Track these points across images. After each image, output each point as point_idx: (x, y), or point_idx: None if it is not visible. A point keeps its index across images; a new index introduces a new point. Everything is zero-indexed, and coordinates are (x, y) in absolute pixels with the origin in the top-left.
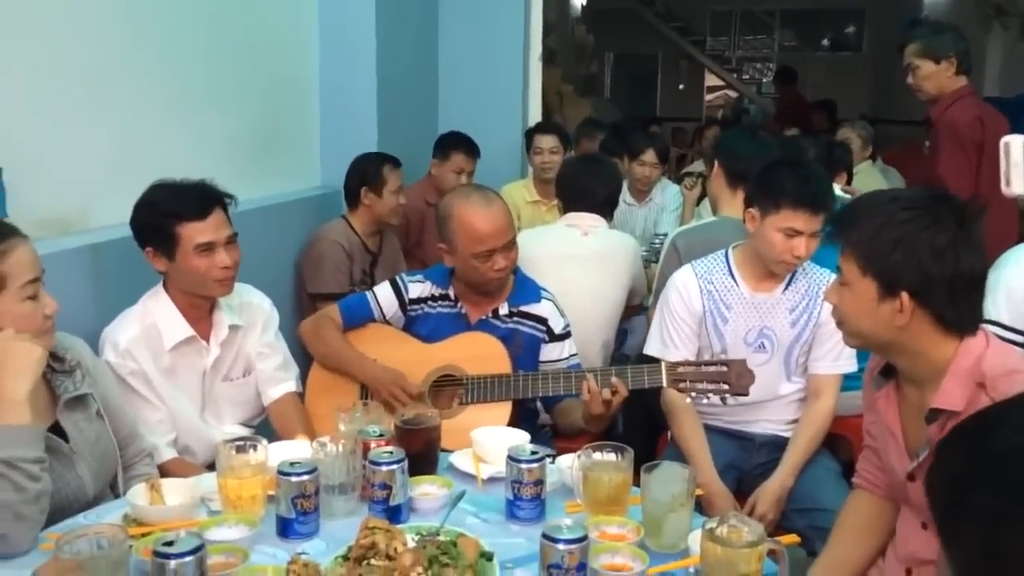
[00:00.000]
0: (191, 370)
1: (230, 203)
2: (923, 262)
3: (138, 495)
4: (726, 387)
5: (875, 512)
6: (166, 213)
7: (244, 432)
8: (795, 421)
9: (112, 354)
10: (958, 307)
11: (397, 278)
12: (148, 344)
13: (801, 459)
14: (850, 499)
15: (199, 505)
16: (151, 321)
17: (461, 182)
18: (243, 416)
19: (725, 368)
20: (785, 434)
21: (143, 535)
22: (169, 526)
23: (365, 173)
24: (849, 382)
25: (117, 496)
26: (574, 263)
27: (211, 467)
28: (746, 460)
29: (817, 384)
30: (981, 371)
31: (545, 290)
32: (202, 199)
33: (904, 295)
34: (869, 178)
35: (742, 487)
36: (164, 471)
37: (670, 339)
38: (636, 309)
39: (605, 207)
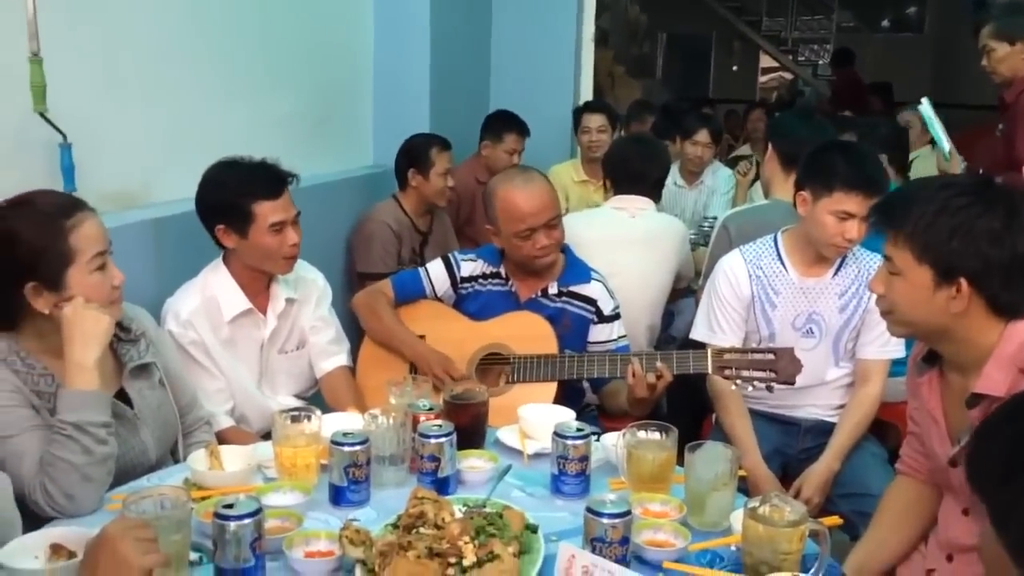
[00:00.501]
0: (249, 341)
1: (293, 182)
2: (982, 247)
3: (198, 460)
4: (773, 375)
5: (917, 498)
6: (241, 192)
7: (297, 403)
8: (841, 406)
9: (174, 324)
10: (1013, 290)
11: (450, 256)
12: (208, 315)
13: (848, 443)
14: (893, 484)
15: (255, 472)
16: (211, 293)
17: (514, 162)
18: (297, 388)
19: (772, 356)
20: (831, 419)
21: (203, 498)
22: (227, 491)
23: (413, 154)
24: (896, 367)
25: (177, 461)
26: (622, 246)
27: (266, 436)
28: (792, 445)
29: (865, 369)
30: (1023, 357)
31: (595, 271)
32: (274, 179)
33: (963, 281)
34: (928, 163)
35: (788, 472)
36: (221, 439)
37: (717, 324)
38: (683, 292)
39: (654, 189)
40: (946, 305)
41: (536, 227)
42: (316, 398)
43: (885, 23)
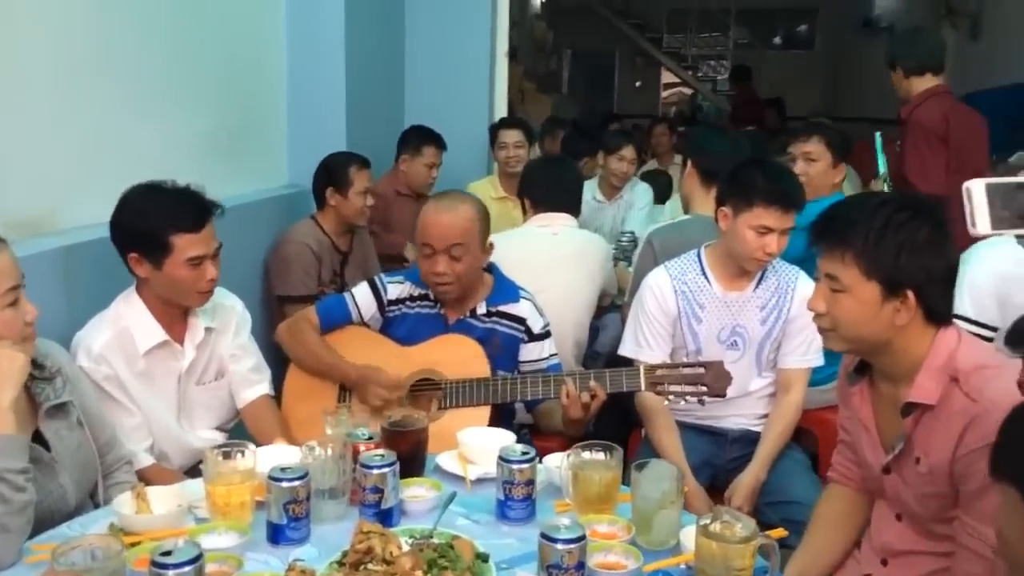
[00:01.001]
0: (166, 374)
1: (218, 213)
2: (926, 260)
3: (124, 504)
4: (704, 389)
5: (849, 505)
6: (161, 222)
7: (218, 436)
8: (766, 415)
9: (85, 359)
10: (948, 298)
11: (376, 279)
12: (122, 349)
13: (773, 452)
14: (825, 493)
15: (187, 513)
16: (124, 325)
17: (432, 175)
18: (216, 420)
19: (702, 370)
20: (756, 428)
21: (132, 545)
22: (158, 535)
23: (331, 173)
24: (815, 376)
25: (97, 505)
26: (547, 264)
27: (188, 473)
28: (719, 455)
29: (787, 378)
30: (954, 366)
31: (524, 290)
32: (199, 210)
33: (909, 293)
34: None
35: (716, 482)
36: (142, 478)
37: (644, 340)
38: (607, 308)
39: (572, 205)
40: (892, 318)
41: (436, 248)
42: (237, 430)
43: (777, 40)
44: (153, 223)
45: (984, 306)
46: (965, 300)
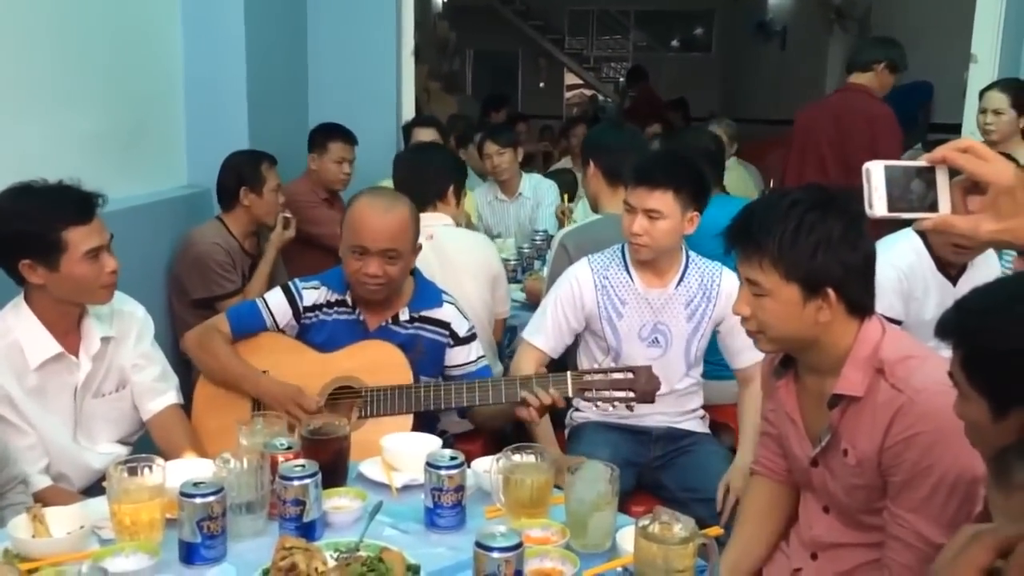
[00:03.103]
0: (61, 389)
1: (101, 203)
2: (842, 256)
3: (20, 527)
4: (632, 395)
5: (776, 497)
6: (47, 220)
7: (122, 450)
8: (689, 411)
9: None
10: (868, 290)
11: (290, 284)
12: (11, 363)
13: (756, 434)
14: (751, 486)
15: (89, 535)
16: (13, 338)
17: (344, 171)
18: (119, 434)
19: (631, 375)
20: (679, 425)
21: (29, 572)
22: (58, 559)
23: (243, 172)
24: (725, 372)
25: None
26: (426, 269)
27: (87, 493)
28: (643, 454)
29: (744, 376)
30: (879, 358)
31: (446, 293)
32: (82, 201)
33: (830, 291)
34: (736, 174)
35: (641, 480)
36: (40, 501)
37: (543, 326)
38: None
39: (423, 198)
40: (815, 316)
41: (370, 250)
42: (143, 443)
43: (675, 43)
44: (39, 223)
45: (890, 302)
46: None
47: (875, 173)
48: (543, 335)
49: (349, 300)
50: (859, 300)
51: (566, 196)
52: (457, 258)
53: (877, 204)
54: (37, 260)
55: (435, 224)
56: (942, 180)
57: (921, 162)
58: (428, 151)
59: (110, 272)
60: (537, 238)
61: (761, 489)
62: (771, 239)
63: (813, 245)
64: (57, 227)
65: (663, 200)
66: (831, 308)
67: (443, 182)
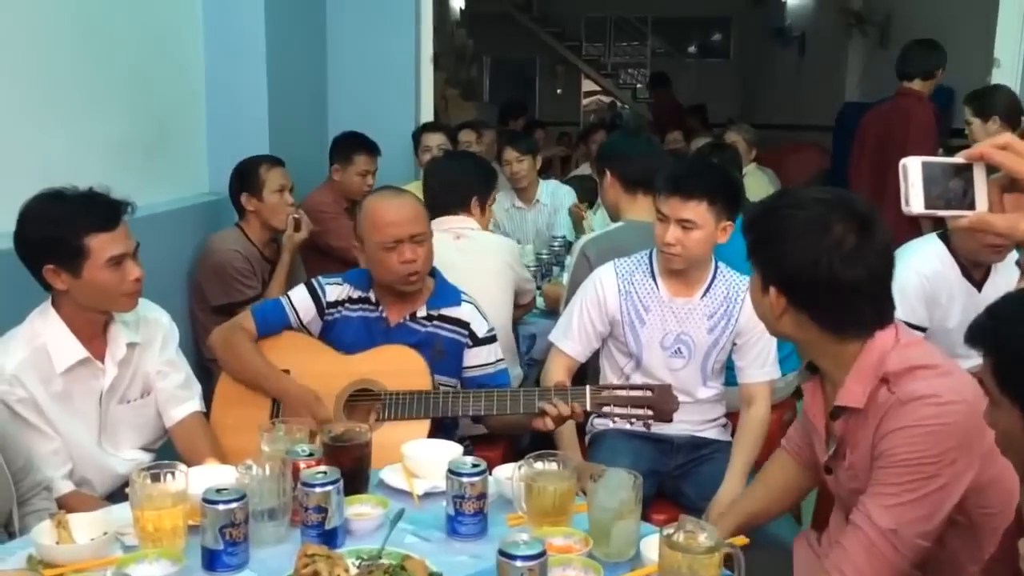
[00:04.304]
0: (86, 394)
1: (130, 211)
2: (785, 261)
3: (44, 533)
4: (650, 413)
5: (792, 476)
6: (71, 226)
7: (145, 457)
8: (712, 420)
9: None
10: (828, 310)
11: (314, 281)
12: (37, 368)
13: (746, 463)
14: (775, 456)
15: (113, 541)
16: (40, 343)
17: (368, 183)
18: (142, 440)
19: (650, 393)
20: (701, 433)
21: None
22: (82, 566)
23: (243, 178)
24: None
25: (12, 535)
26: (452, 270)
27: (110, 498)
28: (666, 463)
29: (749, 392)
30: (884, 368)
31: (465, 293)
32: (108, 208)
33: (773, 289)
34: (755, 180)
35: (663, 489)
36: (62, 506)
37: (569, 329)
38: (527, 308)
39: (455, 201)
40: (771, 310)
41: (401, 238)
42: (165, 449)
43: (693, 49)
44: (64, 228)
45: (912, 307)
46: (895, 302)
47: (912, 169)
48: (571, 340)
49: (372, 296)
50: (822, 316)
51: (587, 204)
52: (482, 260)
53: (914, 201)
54: (60, 265)
55: (462, 226)
56: (980, 177)
57: (959, 159)
58: (461, 159)
59: (133, 280)
60: (555, 244)
61: (781, 464)
62: (752, 218)
63: (765, 236)
64: (80, 233)
65: (697, 210)
66: (780, 307)
67: (467, 191)
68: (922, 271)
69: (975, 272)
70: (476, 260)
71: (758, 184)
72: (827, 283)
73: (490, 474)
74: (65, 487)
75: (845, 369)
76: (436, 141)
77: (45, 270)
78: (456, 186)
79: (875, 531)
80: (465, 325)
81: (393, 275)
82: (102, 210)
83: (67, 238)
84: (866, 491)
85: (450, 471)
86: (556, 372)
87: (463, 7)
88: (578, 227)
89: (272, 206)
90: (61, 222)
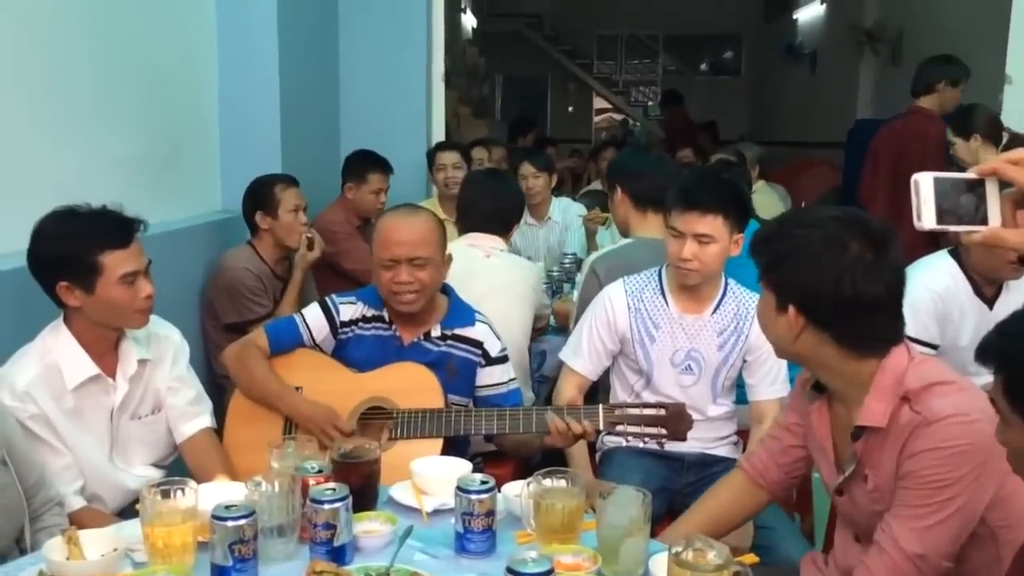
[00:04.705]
0: (98, 410)
1: (142, 229)
2: (806, 280)
3: (55, 549)
4: (663, 432)
5: (742, 495)
6: (85, 243)
7: (155, 473)
8: (723, 438)
9: (9, 398)
10: (849, 328)
11: (327, 300)
12: (49, 385)
13: None
14: (731, 476)
15: (123, 557)
16: (51, 360)
17: (380, 201)
18: (153, 457)
19: (663, 412)
20: (712, 451)
21: None
22: None
23: (258, 196)
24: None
25: (23, 552)
26: (484, 289)
27: (121, 514)
28: (676, 480)
29: (760, 410)
30: (904, 386)
31: (479, 313)
32: (121, 226)
33: (791, 309)
34: (766, 197)
35: (673, 507)
36: (74, 522)
37: (579, 347)
38: (542, 331)
39: (494, 223)
40: (786, 331)
41: (399, 258)
42: (176, 466)
43: (704, 66)
44: (77, 245)
45: (924, 324)
46: (907, 319)
47: (924, 185)
48: (581, 359)
49: (385, 315)
50: (842, 335)
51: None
52: (510, 281)
53: (925, 216)
54: (74, 282)
55: (494, 246)
56: (992, 192)
57: (971, 174)
58: (507, 183)
59: (145, 297)
60: (566, 261)
61: (738, 483)
62: (764, 239)
63: (781, 256)
64: (93, 251)
65: (714, 224)
66: (797, 327)
67: (509, 217)
68: (933, 288)
69: (987, 289)
70: (504, 280)
71: (769, 201)
72: (850, 300)
73: (499, 491)
74: (77, 503)
75: (862, 388)
76: (451, 160)
77: (59, 287)
78: (503, 212)
79: (902, 556)
80: (479, 344)
81: (385, 292)
82: (115, 227)
83: (81, 255)
84: (889, 511)
85: (458, 488)
86: (568, 391)
87: (475, 26)
88: (590, 243)
89: (287, 225)
90: (75, 239)
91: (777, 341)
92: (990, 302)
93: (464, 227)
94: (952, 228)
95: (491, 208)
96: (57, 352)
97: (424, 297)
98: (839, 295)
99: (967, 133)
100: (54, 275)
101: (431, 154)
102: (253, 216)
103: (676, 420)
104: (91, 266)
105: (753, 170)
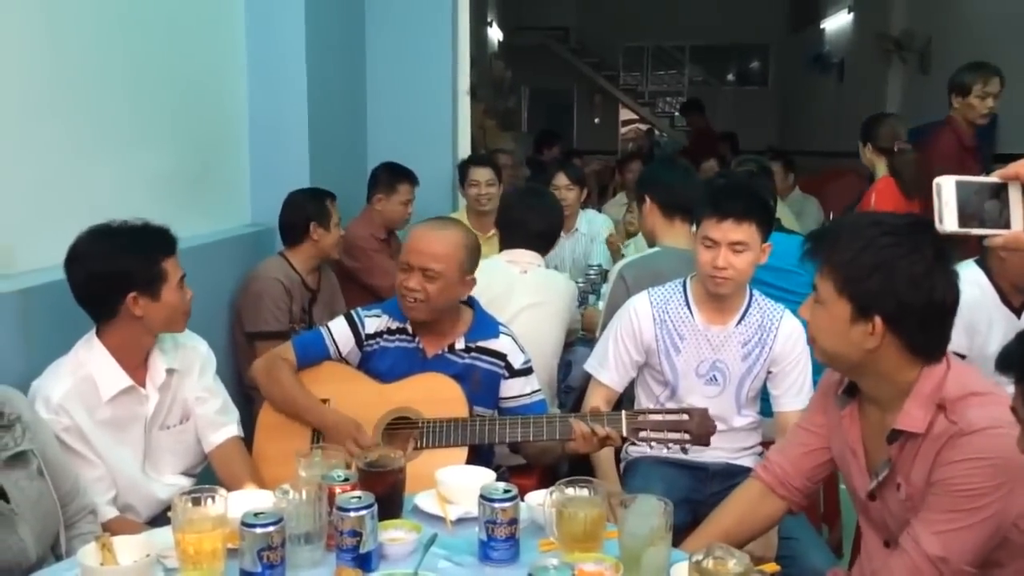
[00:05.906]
0: (132, 420)
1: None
2: (899, 289)
3: (89, 555)
4: (687, 436)
5: (763, 507)
6: (154, 252)
7: (186, 482)
8: (747, 448)
9: (44, 410)
10: (929, 335)
11: (353, 313)
12: (83, 397)
13: None
14: (747, 486)
15: (155, 564)
16: (86, 372)
17: (408, 212)
18: (183, 465)
19: (686, 417)
20: (737, 461)
21: None
22: None
23: (311, 208)
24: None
25: (59, 558)
26: (517, 305)
27: (152, 523)
28: (700, 490)
29: (784, 421)
30: (942, 395)
31: (503, 325)
32: (168, 234)
33: (877, 319)
34: (798, 207)
35: (698, 517)
36: (106, 531)
37: (605, 359)
38: (570, 343)
39: (539, 241)
40: (861, 341)
41: (412, 265)
42: (205, 474)
43: (731, 77)
44: (143, 256)
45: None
46: None
47: (946, 188)
48: (608, 371)
49: (409, 328)
50: (916, 341)
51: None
52: (546, 297)
53: (947, 219)
54: (142, 291)
55: (531, 262)
56: (1015, 196)
57: (993, 178)
58: (554, 204)
59: (190, 300)
60: (591, 272)
61: (751, 492)
62: (836, 249)
63: (872, 267)
64: (158, 258)
65: (748, 232)
66: (878, 339)
67: (554, 238)
68: (961, 297)
69: (1014, 298)
70: (540, 298)
71: (800, 211)
72: (937, 308)
73: (523, 500)
74: (109, 512)
75: (903, 394)
76: (485, 177)
77: (128, 299)
78: (550, 231)
79: (922, 557)
80: (502, 357)
81: (399, 292)
82: (165, 235)
83: (148, 264)
84: (916, 516)
85: (482, 497)
86: (595, 403)
87: (501, 39)
88: (615, 257)
89: (335, 237)
90: (138, 250)
91: (846, 350)
92: (1018, 311)
93: (507, 244)
94: (974, 231)
95: (540, 228)
96: (91, 365)
97: (428, 309)
98: (930, 304)
99: (864, 141)
100: (124, 287)
101: (463, 168)
102: (304, 226)
103: (699, 424)
104: (158, 273)
105: (787, 179)
